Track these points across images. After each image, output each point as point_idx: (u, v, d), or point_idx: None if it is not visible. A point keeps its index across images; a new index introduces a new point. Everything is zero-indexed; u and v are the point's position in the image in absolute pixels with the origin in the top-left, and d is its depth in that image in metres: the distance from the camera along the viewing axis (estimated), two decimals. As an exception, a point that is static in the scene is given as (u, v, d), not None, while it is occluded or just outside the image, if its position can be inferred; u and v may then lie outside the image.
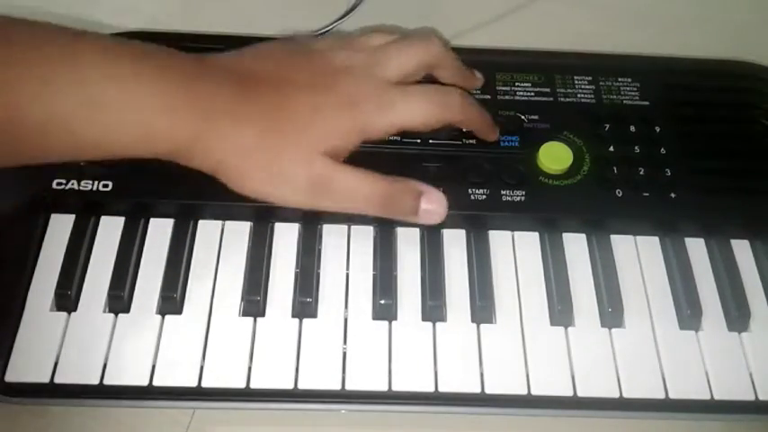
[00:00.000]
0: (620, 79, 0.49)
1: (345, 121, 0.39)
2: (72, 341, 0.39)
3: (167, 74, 0.37)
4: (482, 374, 0.39)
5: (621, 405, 0.39)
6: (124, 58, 0.36)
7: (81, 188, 0.42)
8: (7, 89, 0.33)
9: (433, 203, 0.40)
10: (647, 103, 0.48)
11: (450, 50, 0.44)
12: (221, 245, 0.43)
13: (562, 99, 0.48)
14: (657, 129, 0.47)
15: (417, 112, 0.40)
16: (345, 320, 0.40)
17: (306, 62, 0.41)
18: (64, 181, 0.43)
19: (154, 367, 0.38)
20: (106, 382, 0.38)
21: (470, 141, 0.45)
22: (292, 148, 0.38)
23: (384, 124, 0.40)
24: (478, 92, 0.48)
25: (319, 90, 0.39)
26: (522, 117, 0.47)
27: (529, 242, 0.44)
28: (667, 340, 0.41)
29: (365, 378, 0.39)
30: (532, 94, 0.48)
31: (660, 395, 0.39)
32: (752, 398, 0.39)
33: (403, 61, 0.42)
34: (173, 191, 0.43)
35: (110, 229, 0.43)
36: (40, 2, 0.49)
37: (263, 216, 0.43)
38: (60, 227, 0.42)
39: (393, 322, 0.41)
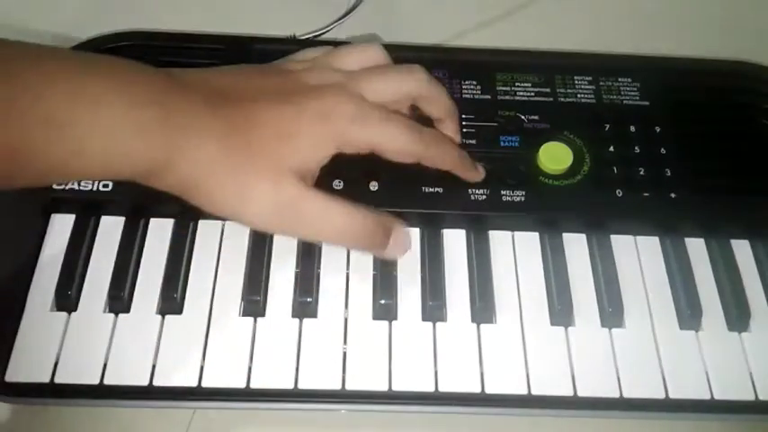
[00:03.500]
0: (620, 79, 0.49)
1: (317, 132, 0.37)
2: (72, 341, 0.39)
3: (135, 90, 0.34)
4: (482, 374, 0.39)
5: (621, 405, 0.39)
6: (89, 75, 0.34)
7: (81, 188, 0.42)
8: None
9: (400, 240, 0.40)
10: (647, 103, 0.48)
11: (436, 83, 0.42)
12: (221, 245, 0.43)
13: (562, 99, 0.48)
14: (657, 129, 0.47)
15: (394, 136, 0.39)
16: (345, 320, 0.40)
17: (278, 79, 0.39)
18: (64, 181, 0.43)
19: (154, 367, 0.38)
20: (106, 382, 0.38)
21: (470, 141, 0.45)
22: (260, 168, 0.36)
23: (359, 137, 0.38)
24: (479, 91, 0.48)
25: (291, 105, 0.38)
26: (522, 117, 0.47)
27: (529, 242, 0.44)
28: (667, 340, 0.41)
29: (365, 378, 0.39)
30: (532, 94, 0.48)
31: (660, 395, 0.39)
32: (752, 398, 0.39)
33: (381, 87, 0.40)
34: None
35: (110, 229, 0.43)
36: (37, 4, 0.49)
37: (263, 216, 0.43)
38: (60, 227, 0.42)
39: (393, 322, 0.41)
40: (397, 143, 0.39)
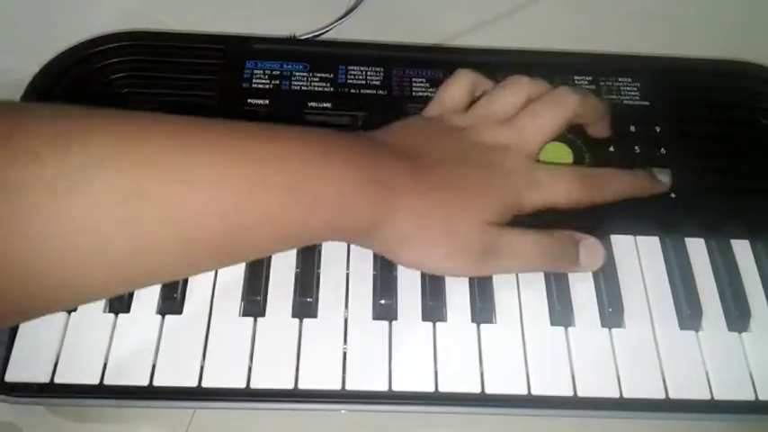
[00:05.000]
0: (620, 79, 0.49)
1: (505, 196, 0.40)
2: (72, 341, 0.39)
3: (351, 153, 0.37)
4: (482, 374, 0.39)
5: (621, 405, 0.39)
6: (315, 143, 0.36)
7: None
8: (225, 193, 0.32)
9: (591, 249, 0.41)
10: (647, 103, 0.48)
11: (587, 98, 0.43)
12: (221, 245, 0.43)
13: (562, 99, 0.48)
14: (657, 129, 0.47)
15: (562, 193, 0.41)
16: (345, 320, 0.40)
17: (454, 140, 0.42)
18: (64, 181, 0.42)
19: (154, 367, 0.38)
20: (106, 382, 0.38)
21: (470, 141, 0.45)
22: (466, 220, 0.38)
23: (534, 201, 0.41)
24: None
25: (478, 166, 0.40)
26: (523, 117, 0.47)
27: (529, 242, 0.44)
28: (667, 340, 0.41)
29: (365, 378, 0.39)
30: (532, 94, 0.48)
31: (660, 395, 0.39)
32: (752, 398, 0.39)
33: (541, 131, 0.42)
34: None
35: (110, 229, 0.43)
36: (37, 4, 0.49)
37: (263, 216, 0.43)
38: (60, 227, 0.42)
39: (393, 322, 0.41)
40: (569, 200, 0.41)
